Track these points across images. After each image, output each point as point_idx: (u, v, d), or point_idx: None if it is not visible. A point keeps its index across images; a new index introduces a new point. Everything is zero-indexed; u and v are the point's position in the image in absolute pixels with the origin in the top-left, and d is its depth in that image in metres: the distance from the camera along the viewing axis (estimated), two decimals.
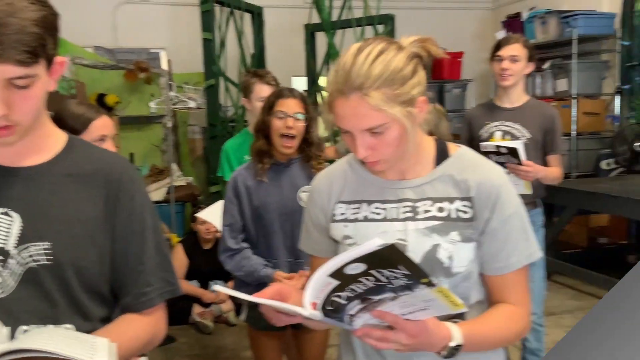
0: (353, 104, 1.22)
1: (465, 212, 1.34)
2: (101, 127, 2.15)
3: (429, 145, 1.42)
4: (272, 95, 2.38)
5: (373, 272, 1.06)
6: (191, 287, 4.50)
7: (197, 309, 4.42)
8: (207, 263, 4.45)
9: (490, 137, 2.92)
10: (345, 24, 5.97)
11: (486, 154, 2.65)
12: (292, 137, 2.33)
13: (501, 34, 7.17)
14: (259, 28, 6.27)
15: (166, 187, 5.74)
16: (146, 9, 6.85)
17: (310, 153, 2.38)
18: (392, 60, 1.24)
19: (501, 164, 2.65)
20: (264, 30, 6.33)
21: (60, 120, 2.12)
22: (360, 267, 1.06)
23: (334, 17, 6.01)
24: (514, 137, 2.87)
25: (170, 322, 4.07)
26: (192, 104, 5.63)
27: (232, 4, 5.80)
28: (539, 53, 6.99)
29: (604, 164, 6.04)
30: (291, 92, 2.36)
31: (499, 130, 2.92)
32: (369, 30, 5.96)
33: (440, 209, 1.35)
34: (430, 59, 1.35)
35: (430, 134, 1.97)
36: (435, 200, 1.36)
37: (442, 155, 1.40)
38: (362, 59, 1.23)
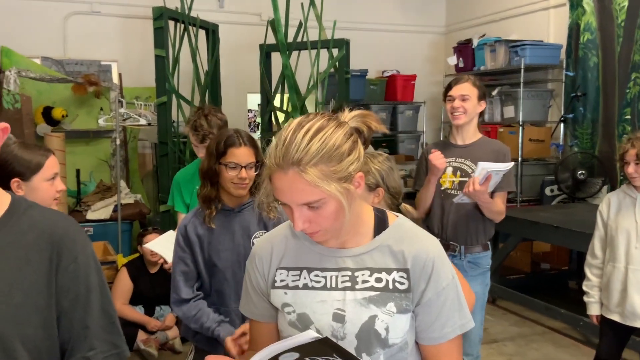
0: (291, 179, 1.24)
1: (401, 283, 1.38)
2: (51, 166, 2.16)
3: (369, 215, 1.45)
4: (221, 142, 2.25)
5: (307, 359, 1.14)
6: (135, 313, 4.41)
7: (141, 335, 4.32)
8: (152, 287, 4.39)
9: (442, 173, 3.00)
10: (301, 46, 6.00)
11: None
12: (245, 185, 2.29)
13: (452, 60, 7.40)
14: (214, 45, 6.25)
15: (113, 205, 5.65)
16: (97, 20, 6.75)
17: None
18: (331, 137, 1.27)
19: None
20: (219, 47, 6.33)
21: (5, 166, 2.10)
22: (294, 356, 1.13)
23: (290, 39, 6.05)
24: (465, 174, 2.97)
25: None
26: (142, 121, 5.55)
27: (187, 21, 5.76)
28: (488, 80, 7.26)
29: (548, 190, 6.25)
30: (242, 140, 2.27)
31: (450, 166, 3.00)
32: (323, 52, 6.02)
33: (378, 280, 1.38)
34: (370, 133, 1.39)
35: (377, 185, 2.06)
36: (374, 270, 1.39)
37: (381, 225, 1.44)
38: (301, 135, 1.26)
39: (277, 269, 1.45)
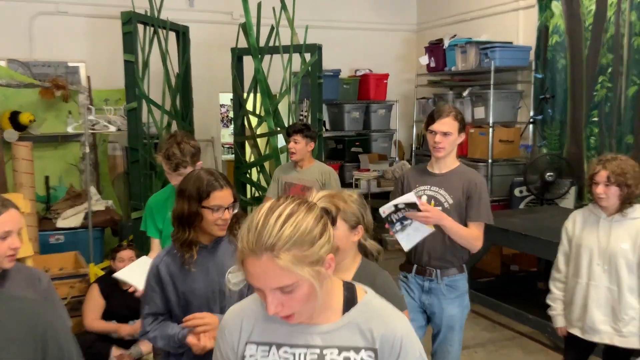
0: (264, 264, 1.26)
1: None
2: (4, 222, 2.07)
3: (338, 291, 1.47)
4: (202, 187, 2.27)
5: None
6: (106, 324, 4.36)
7: (115, 351, 4.27)
8: (124, 304, 4.32)
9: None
10: (273, 50, 5.98)
11: (389, 216, 2.80)
12: (226, 225, 2.32)
13: (424, 59, 7.44)
14: (185, 47, 6.20)
15: (83, 212, 5.59)
16: (64, 21, 6.64)
17: (236, 230, 2.32)
18: (302, 222, 1.30)
19: (402, 218, 2.80)
20: (190, 49, 6.27)
21: None
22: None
23: (262, 41, 6.02)
24: (438, 202, 2.97)
25: None
26: (112, 128, 5.47)
27: (156, 24, 5.69)
28: (458, 80, 7.32)
29: (517, 192, 6.36)
30: (221, 182, 2.30)
31: (425, 194, 3.02)
32: (296, 57, 6.01)
33: (347, 359, 1.39)
34: (337, 212, 1.44)
35: (358, 224, 2.10)
36: (342, 349, 1.40)
37: (350, 301, 1.46)
38: (274, 220, 1.28)
39: (246, 343, 1.46)
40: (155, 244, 3.22)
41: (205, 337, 2.22)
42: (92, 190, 5.92)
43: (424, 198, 3.00)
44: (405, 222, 2.80)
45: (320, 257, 1.31)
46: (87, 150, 5.51)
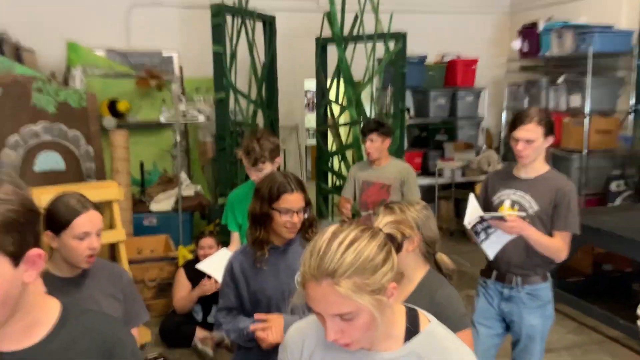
0: (324, 290, 1.24)
1: None
2: (82, 225, 2.13)
3: (400, 319, 1.43)
4: (274, 188, 2.31)
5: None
6: (193, 293, 4.53)
7: (199, 333, 4.45)
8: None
9: (500, 205, 2.91)
10: (357, 39, 5.91)
11: (474, 226, 2.76)
12: (297, 228, 2.35)
13: (517, 44, 7.13)
14: (271, 37, 6.23)
15: (174, 197, 5.79)
16: (158, 12, 6.83)
17: (308, 234, 2.37)
18: (365, 249, 1.27)
19: (487, 227, 2.76)
20: (276, 38, 6.30)
21: (45, 217, 2.14)
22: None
23: (346, 30, 5.96)
24: (522, 208, 2.86)
25: (172, 344, 4.15)
26: (201, 118, 5.63)
27: (244, 14, 5.75)
28: (553, 67, 6.96)
29: (614, 186, 6.01)
30: (293, 186, 2.32)
31: (509, 198, 2.90)
32: (380, 46, 5.91)
33: None
34: (403, 239, 1.40)
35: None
36: None
37: (412, 329, 1.42)
38: (336, 246, 1.26)
39: None
40: (235, 237, 3.30)
41: (272, 332, 2.26)
42: (183, 175, 6.12)
43: (508, 202, 2.89)
44: (490, 231, 2.76)
45: (382, 286, 1.28)
46: (178, 139, 5.71)
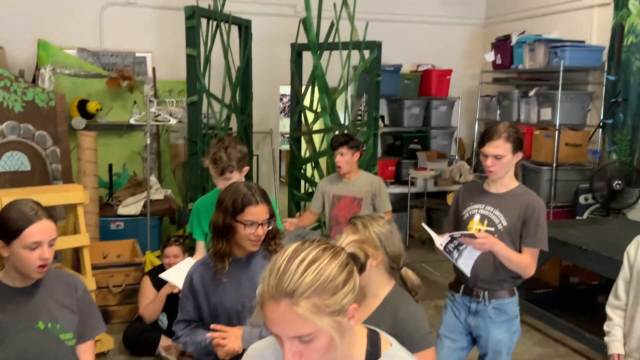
0: (282, 311, 1.20)
1: None
2: (32, 234, 2.04)
3: (361, 342, 1.39)
4: (238, 200, 2.24)
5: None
6: (159, 295, 4.43)
7: (164, 341, 4.35)
8: (174, 296, 4.35)
9: (470, 219, 2.90)
10: (332, 47, 5.88)
11: (446, 246, 2.74)
12: (260, 241, 2.29)
13: (490, 56, 7.17)
14: (246, 41, 6.17)
15: (143, 200, 5.68)
16: (132, 12, 6.74)
17: (271, 246, 2.33)
18: (325, 269, 1.22)
19: (458, 244, 2.74)
20: (251, 42, 6.24)
21: (1, 224, 2.06)
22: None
23: (322, 37, 5.93)
24: (491, 223, 2.84)
25: (135, 352, 4.04)
26: (173, 121, 5.53)
27: (219, 18, 5.68)
28: (525, 79, 7.01)
29: (582, 199, 6.06)
30: (258, 198, 2.26)
31: (479, 213, 2.88)
32: (355, 54, 5.89)
33: None
34: (366, 259, 1.36)
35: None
36: None
37: (372, 353, 1.38)
38: (295, 265, 1.22)
39: None
40: (201, 246, 3.24)
41: (230, 341, 2.21)
42: (153, 179, 6.01)
43: (477, 217, 2.87)
44: (461, 247, 2.75)
45: (343, 307, 1.23)
46: (148, 141, 5.59)
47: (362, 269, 1.32)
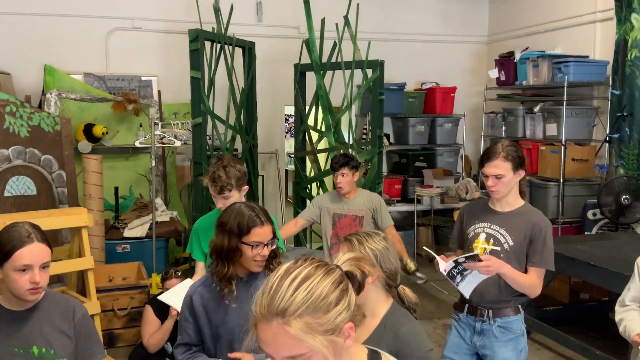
0: (274, 331, 1.16)
1: None
2: (22, 257, 2.00)
3: None
4: (243, 222, 2.19)
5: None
6: (163, 327, 4.30)
7: None
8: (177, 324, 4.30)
9: (475, 238, 2.84)
10: (335, 66, 5.85)
11: (450, 272, 2.66)
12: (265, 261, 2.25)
13: (494, 73, 7.13)
14: (250, 63, 6.15)
15: (149, 223, 5.64)
16: (138, 36, 6.76)
17: (272, 265, 2.28)
18: (317, 287, 1.19)
19: (463, 269, 2.65)
20: (255, 64, 6.22)
21: None
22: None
23: (325, 57, 5.92)
24: (497, 242, 2.78)
25: None
26: (177, 143, 5.50)
27: (223, 40, 5.68)
28: (529, 95, 6.95)
29: (590, 214, 5.96)
30: (262, 219, 2.22)
31: (484, 232, 2.82)
32: (357, 73, 5.86)
33: None
34: (364, 277, 1.32)
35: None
36: None
37: None
38: (287, 284, 1.18)
39: None
40: (200, 267, 3.18)
41: None
42: (159, 201, 5.98)
43: (483, 236, 2.81)
44: (465, 272, 2.67)
45: (336, 326, 1.19)
46: (154, 164, 5.56)
47: (359, 287, 1.29)
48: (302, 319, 1.15)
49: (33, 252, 2.02)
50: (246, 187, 3.09)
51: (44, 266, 2.05)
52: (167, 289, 4.38)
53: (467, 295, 2.73)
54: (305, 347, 1.16)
